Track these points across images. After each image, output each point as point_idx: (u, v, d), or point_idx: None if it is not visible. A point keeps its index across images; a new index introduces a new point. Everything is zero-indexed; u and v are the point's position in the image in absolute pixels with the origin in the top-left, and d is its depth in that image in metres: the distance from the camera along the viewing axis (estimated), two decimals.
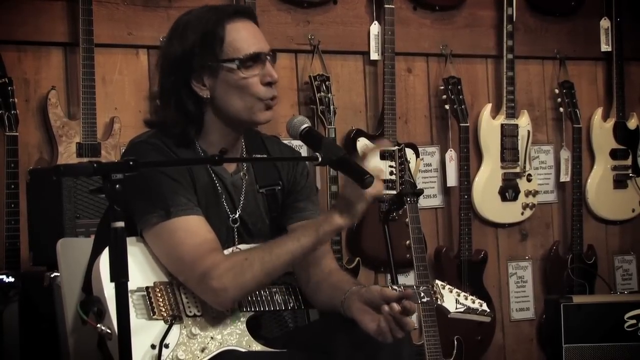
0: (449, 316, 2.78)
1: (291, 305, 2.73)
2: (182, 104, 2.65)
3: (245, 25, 2.66)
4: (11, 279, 3.61)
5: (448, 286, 2.79)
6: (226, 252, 2.62)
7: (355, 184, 2.53)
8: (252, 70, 2.63)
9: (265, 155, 2.81)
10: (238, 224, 2.71)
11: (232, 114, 2.66)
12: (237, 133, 2.72)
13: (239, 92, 2.63)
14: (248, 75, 2.63)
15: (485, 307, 2.82)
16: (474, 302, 2.80)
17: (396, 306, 2.44)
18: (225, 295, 2.52)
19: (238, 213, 2.72)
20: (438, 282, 2.79)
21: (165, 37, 2.71)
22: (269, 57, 2.66)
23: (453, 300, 2.77)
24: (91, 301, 2.47)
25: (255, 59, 2.63)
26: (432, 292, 2.72)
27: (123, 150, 3.99)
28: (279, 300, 2.71)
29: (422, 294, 2.66)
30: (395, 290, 2.50)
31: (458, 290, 2.80)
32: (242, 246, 2.68)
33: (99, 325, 2.41)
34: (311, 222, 2.64)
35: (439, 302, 2.76)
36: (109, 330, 2.41)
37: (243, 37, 2.64)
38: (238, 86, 2.63)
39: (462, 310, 2.77)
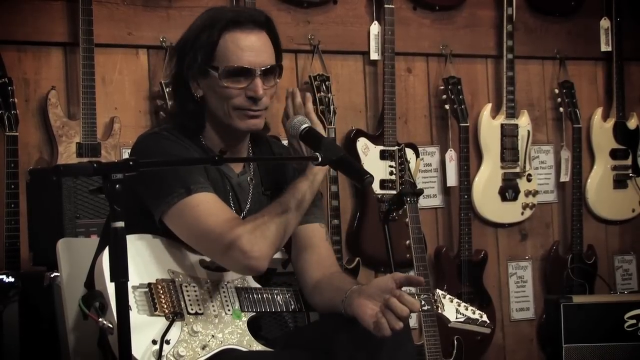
0: (449, 325, 2.79)
1: (292, 307, 2.74)
2: (180, 98, 2.70)
3: (245, 37, 2.64)
4: (11, 279, 3.62)
5: (449, 296, 2.81)
6: None
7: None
8: (235, 82, 2.63)
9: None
10: None
11: (217, 116, 2.69)
12: (235, 134, 2.73)
13: (219, 98, 2.65)
14: (229, 86, 2.63)
15: (485, 318, 2.84)
16: (474, 313, 2.81)
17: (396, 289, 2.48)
18: (260, 253, 2.53)
19: (243, 214, 2.73)
20: (439, 291, 2.81)
21: None
22: (259, 73, 2.64)
23: (453, 310, 2.78)
24: (93, 295, 2.48)
25: (241, 73, 2.62)
26: (433, 300, 2.73)
27: (123, 149, 4.06)
28: (280, 302, 2.72)
29: (423, 302, 2.67)
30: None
31: (459, 300, 2.82)
32: None
33: (100, 319, 2.42)
34: (301, 176, 2.69)
35: (439, 311, 2.77)
36: (110, 325, 2.41)
37: (236, 47, 2.62)
38: (220, 93, 2.64)
39: (462, 320, 2.79)
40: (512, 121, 5.02)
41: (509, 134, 5.00)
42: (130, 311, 2.27)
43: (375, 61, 4.75)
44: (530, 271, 5.21)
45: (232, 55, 2.62)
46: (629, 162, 5.34)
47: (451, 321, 2.79)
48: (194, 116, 2.69)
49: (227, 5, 4.31)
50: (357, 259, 4.59)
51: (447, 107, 4.87)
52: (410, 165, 4.19)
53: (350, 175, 2.63)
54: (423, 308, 2.68)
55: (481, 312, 2.84)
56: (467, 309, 2.81)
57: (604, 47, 5.35)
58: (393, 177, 4.57)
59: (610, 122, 5.33)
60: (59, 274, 2.94)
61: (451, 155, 4.89)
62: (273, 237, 2.56)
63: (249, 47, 2.63)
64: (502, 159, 5.00)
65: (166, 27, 4.26)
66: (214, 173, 2.69)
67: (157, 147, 2.62)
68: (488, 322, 2.85)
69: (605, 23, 5.34)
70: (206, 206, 2.56)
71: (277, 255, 2.78)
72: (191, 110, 2.68)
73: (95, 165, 2.22)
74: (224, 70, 2.61)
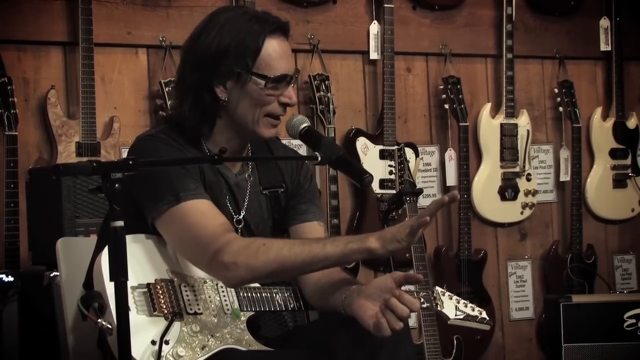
0: (448, 322, 2.79)
1: (291, 306, 2.73)
2: (200, 102, 2.65)
3: (280, 43, 2.65)
4: (10, 279, 3.62)
5: (448, 293, 2.81)
6: None
7: (406, 226, 2.51)
8: (275, 89, 2.64)
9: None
10: (242, 225, 2.72)
11: (240, 122, 2.67)
12: (242, 140, 2.72)
13: (254, 104, 2.64)
14: (272, 93, 2.64)
15: (484, 315, 2.83)
16: (473, 310, 2.81)
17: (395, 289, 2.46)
18: (235, 271, 2.50)
19: (242, 214, 2.72)
20: (438, 288, 2.80)
21: (196, 30, 2.68)
22: (293, 80, 2.67)
23: (453, 307, 2.78)
24: (92, 296, 2.47)
25: (281, 80, 2.64)
26: (432, 298, 2.73)
27: (123, 149, 4.06)
28: (280, 301, 2.72)
29: (422, 300, 2.67)
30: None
31: (458, 297, 2.81)
32: None
33: (99, 320, 2.42)
34: (344, 236, 2.64)
35: (438, 309, 2.76)
36: (109, 326, 2.41)
37: (278, 55, 2.63)
38: (258, 100, 2.64)
39: (461, 317, 2.79)
40: (512, 121, 5.02)
41: (508, 134, 5.00)
42: (129, 311, 2.27)
43: (374, 61, 4.75)
44: (529, 271, 5.21)
45: (276, 63, 2.63)
46: (628, 161, 5.34)
47: (450, 318, 2.78)
48: (206, 120, 2.67)
49: (228, 5, 4.31)
50: None
51: (446, 106, 4.87)
52: (409, 164, 4.18)
53: (350, 175, 2.63)
54: (422, 305, 2.68)
55: (480, 309, 2.84)
56: (466, 306, 2.81)
57: (603, 47, 5.35)
58: (392, 176, 4.57)
59: (610, 122, 5.33)
60: (58, 274, 2.94)
61: (451, 154, 4.89)
62: (257, 266, 2.51)
63: (285, 54, 2.66)
64: (502, 159, 5.00)
65: (166, 26, 4.26)
66: (210, 175, 2.68)
67: (153, 150, 2.61)
68: (487, 318, 2.85)
69: (604, 22, 5.34)
70: (193, 216, 2.54)
71: None
72: (208, 114, 2.66)
73: (94, 164, 2.22)
74: (271, 78, 2.61)
